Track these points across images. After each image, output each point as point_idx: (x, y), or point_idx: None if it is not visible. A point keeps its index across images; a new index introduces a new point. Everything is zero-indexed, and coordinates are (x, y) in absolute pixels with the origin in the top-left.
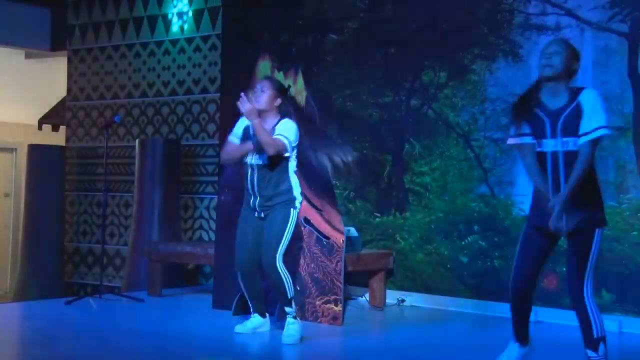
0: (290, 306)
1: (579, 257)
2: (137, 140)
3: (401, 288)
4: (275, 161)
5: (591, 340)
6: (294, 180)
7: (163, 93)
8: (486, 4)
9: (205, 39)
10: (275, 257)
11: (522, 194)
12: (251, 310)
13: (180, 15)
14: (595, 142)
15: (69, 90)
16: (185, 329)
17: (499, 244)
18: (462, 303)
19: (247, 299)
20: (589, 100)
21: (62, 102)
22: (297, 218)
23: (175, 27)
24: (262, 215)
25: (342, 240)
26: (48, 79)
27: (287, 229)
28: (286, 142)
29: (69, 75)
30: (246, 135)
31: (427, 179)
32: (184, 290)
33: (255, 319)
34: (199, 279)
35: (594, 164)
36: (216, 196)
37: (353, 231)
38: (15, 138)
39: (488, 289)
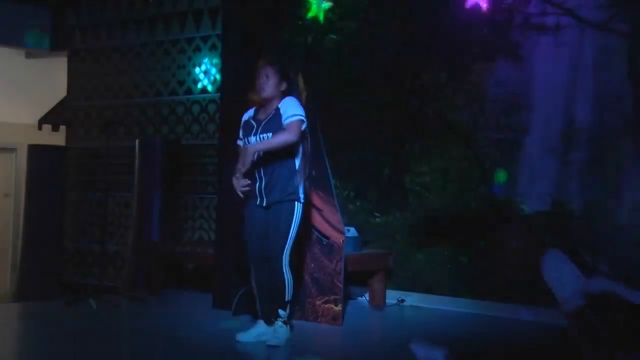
0: (285, 310)
1: None
2: (137, 140)
3: (401, 288)
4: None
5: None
6: (299, 163)
7: (163, 93)
8: (486, 4)
9: (205, 39)
10: (282, 257)
11: (522, 194)
12: (259, 314)
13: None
14: None
15: (69, 90)
16: (185, 329)
17: (499, 244)
18: (462, 303)
19: (257, 300)
20: None
21: (62, 102)
22: (303, 211)
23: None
24: (265, 204)
25: (342, 240)
26: (48, 79)
27: (293, 225)
28: (298, 118)
29: (69, 75)
30: (248, 130)
31: (427, 179)
32: (184, 290)
33: (261, 326)
34: (199, 279)
35: None
36: (216, 196)
37: (353, 231)
38: (15, 138)
39: (488, 289)
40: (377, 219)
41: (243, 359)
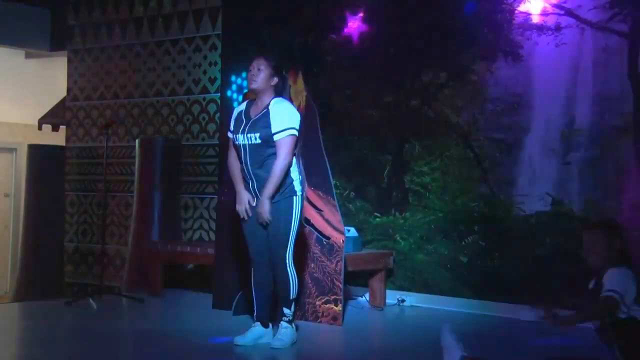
0: (290, 308)
1: None
2: (137, 140)
3: (401, 288)
4: (269, 142)
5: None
6: (293, 161)
7: (163, 93)
8: (486, 4)
9: (205, 39)
10: (285, 255)
11: (522, 194)
12: (254, 317)
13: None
14: None
15: (69, 90)
16: (185, 329)
17: (499, 244)
18: (462, 303)
19: (255, 303)
20: None
21: (62, 102)
22: (302, 204)
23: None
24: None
25: (342, 240)
26: (48, 79)
27: (293, 222)
28: (289, 134)
29: (69, 75)
30: (237, 126)
31: (427, 179)
32: (184, 290)
33: (257, 329)
34: (199, 279)
35: None
36: (216, 196)
37: (353, 231)
38: (15, 138)
39: (488, 289)
40: (377, 219)
41: (242, 358)
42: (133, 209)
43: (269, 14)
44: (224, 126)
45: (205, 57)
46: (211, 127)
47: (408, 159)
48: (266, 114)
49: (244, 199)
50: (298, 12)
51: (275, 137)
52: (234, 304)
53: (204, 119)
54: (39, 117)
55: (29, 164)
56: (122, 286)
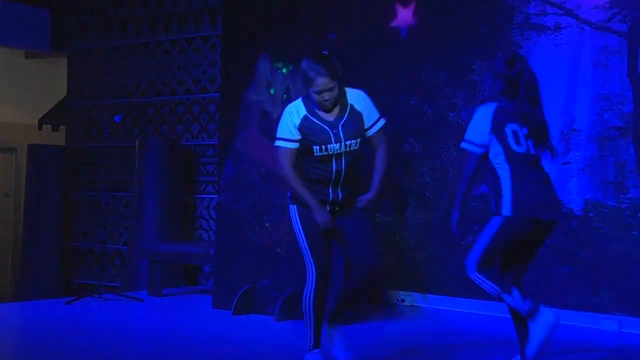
0: None
1: None
2: (137, 140)
3: (401, 288)
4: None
5: None
6: None
7: (163, 93)
8: (486, 4)
9: (205, 39)
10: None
11: None
12: (311, 344)
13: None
14: None
15: (69, 90)
16: (185, 329)
17: None
18: (462, 303)
19: (313, 325)
20: None
21: (62, 102)
22: None
23: None
24: (337, 208)
25: None
26: (48, 79)
27: None
28: (383, 122)
29: (69, 75)
30: (323, 135)
31: (427, 179)
32: (184, 290)
33: (319, 357)
34: (199, 279)
35: None
36: (216, 196)
37: None
38: (15, 138)
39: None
40: (377, 219)
41: (242, 358)
42: (133, 209)
43: (268, 14)
44: (224, 126)
45: (205, 57)
46: (211, 127)
47: (408, 159)
48: (352, 112)
49: (325, 211)
50: (298, 11)
51: (371, 132)
52: (234, 303)
53: (204, 118)
54: (39, 117)
55: (29, 164)
56: (122, 286)
